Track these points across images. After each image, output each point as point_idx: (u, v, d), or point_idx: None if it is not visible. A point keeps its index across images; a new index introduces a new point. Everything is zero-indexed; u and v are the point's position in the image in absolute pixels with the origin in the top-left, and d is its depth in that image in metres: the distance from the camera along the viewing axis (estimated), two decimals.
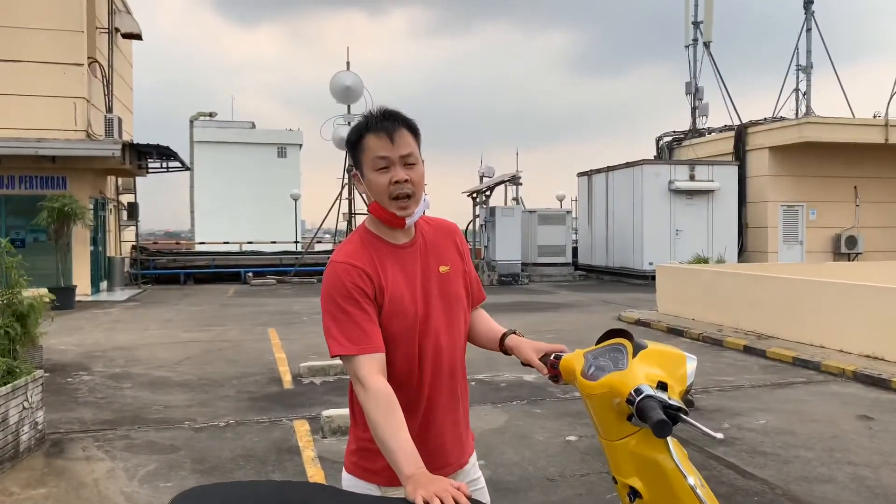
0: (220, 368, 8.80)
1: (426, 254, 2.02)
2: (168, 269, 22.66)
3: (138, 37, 22.46)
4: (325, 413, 6.03)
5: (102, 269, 19.62)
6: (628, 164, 22.61)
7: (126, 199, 22.22)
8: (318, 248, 26.90)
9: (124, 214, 22.03)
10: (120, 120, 18.55)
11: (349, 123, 23.43)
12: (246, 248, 26.87)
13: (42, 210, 15.47)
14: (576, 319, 13.51)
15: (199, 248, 29.25)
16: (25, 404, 5.37)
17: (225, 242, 27.80)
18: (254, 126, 48.14)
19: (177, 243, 34.21)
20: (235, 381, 8.06)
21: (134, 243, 22.83)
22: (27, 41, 17.14)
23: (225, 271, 23.24)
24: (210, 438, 5.87)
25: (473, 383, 7.66)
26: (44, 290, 10.05)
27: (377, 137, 1.87)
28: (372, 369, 1.79)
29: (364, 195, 2.00)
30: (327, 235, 32.83)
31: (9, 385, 5.14)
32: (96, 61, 18.91)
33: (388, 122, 1.89)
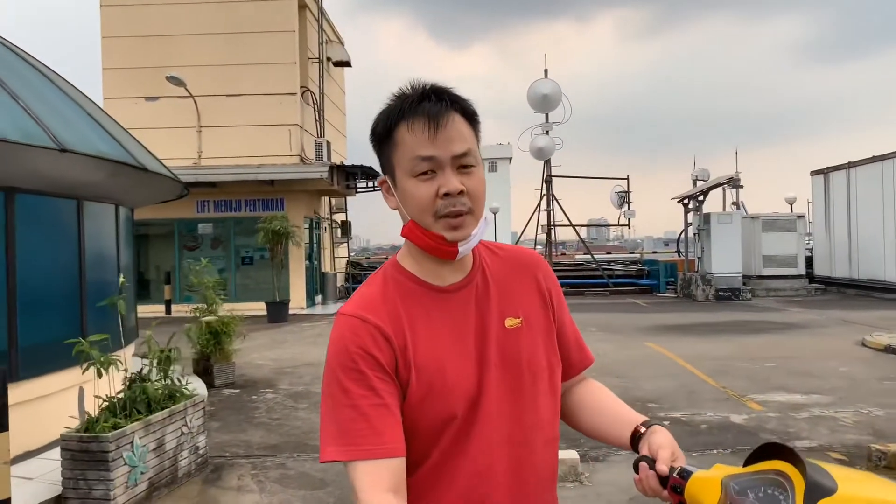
0: None
1: (486, 299, 1.34)
2: None
3: (347, 64, 23.81)
4: None
5: (317, 284, 20.85)
6: (876, 158, 19.31)
7: (339, 217, 23.52)
8: None
9: (338, 232, 23.32)
10: (329, 144, 19.59)
11: (547, 132, 22.76)
12: None
13: (258, 231, 16.69)
14: (807, 344, 11.49)
15: None
16: (184, 429, 5.35)
17: None
18: None
19: None
20: None
21: (348, 259, 24.11)
22: (248, 76, 18.78)
23: None
24: None
25: (667, 423, 6.53)
26: (247, 305, 10.63)
27: (416, 128, 1.22)
28: (377, 484, 1.16)
29: (398, 211, 1.30)
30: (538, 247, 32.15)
31: (166, 410, 5.12)
32: (308, 90, 20.21)
33: (432, 103, 1.23)
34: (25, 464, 5.28)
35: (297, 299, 18.56)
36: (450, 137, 1.22)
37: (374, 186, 21.65)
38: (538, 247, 25.25)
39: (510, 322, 1.34)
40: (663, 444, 1.28)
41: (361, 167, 19.43)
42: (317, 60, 20.95)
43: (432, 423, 1.26)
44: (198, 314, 8.76)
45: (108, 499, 4.54)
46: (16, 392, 5.33)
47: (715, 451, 5.81)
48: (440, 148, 1.21)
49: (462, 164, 1.23)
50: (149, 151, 7.23)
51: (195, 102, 18.78)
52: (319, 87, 20.82)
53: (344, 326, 1.25)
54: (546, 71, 23.46)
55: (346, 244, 24.01)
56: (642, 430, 1.35)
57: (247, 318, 10.09)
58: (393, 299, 1.28)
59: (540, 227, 25.07)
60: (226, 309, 9.06)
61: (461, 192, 1.22)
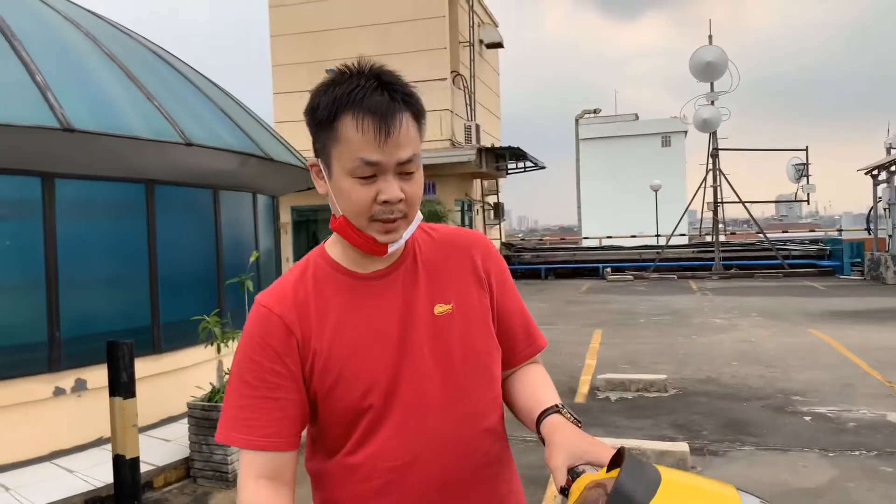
0: None
1: (414, 285, 1.31)
2: (531, 264, 23.48)
3: (500, 45, 23.78)
4: None
5: None
6: None
7: (492, 199, 23.66)
8: (678, 241, 25.04)
9: (490, 214, 23.49)
10: (478, 127, 19.71)
11: (712, 103, 21.32)
12: (605, 242, 26.46)
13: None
14: None
15: (584, 242, 29.75)
16: None
17: (608, 237, 27.73)
18: (637, 118, 47.87)
19: (561, 239, 35.44)
20: None
21: (501, 240, 24.23)
22: (399, 64, 19.07)
23: (584, 266, 23.17)
24: None
25: (808, 418, 5.92)
26: None
27: (365, 127, 1.15)
28: (251, 471, 1.21)
29: (328, 198, 1.27)
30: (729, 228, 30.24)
31: None
32: (459, 74, 20.44)
33: (384, 99, 1.16)
34: (166, 427, 5.89)
35: None
36: (398, 143, 1.16)
37: (524, 168, 21.53)
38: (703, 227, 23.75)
39: (440, 308, 1.30)
40: (575, 451, 1.17)
41: (510, 149, 19.36)
42: (468, 44, 21.11)
43: (343, 412, 1.25)
44: None
45: (226, 463, 4.94)
46: (159, 363, 5.96)
47: (856, 453, 5.17)
48: (387, 154, 1.16)
49: (405, 171, 1.19)
50: (283, 142, 7.69)
51: None
52: (470, 70, 20.98)
53: (252, 314, 1.28)
54: (710, 37, 21.89)
55: (498, 226, 24.10)
56: (545, 410, 1.30)
57: None
58: (306, 287, 1.28)
59: (706, 205, 23.56)
60: None
61: (401, 200, 1.19)
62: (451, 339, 1.29)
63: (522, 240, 31.75)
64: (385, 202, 1.18)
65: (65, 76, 5.15)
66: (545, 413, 1.29)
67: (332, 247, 1.32)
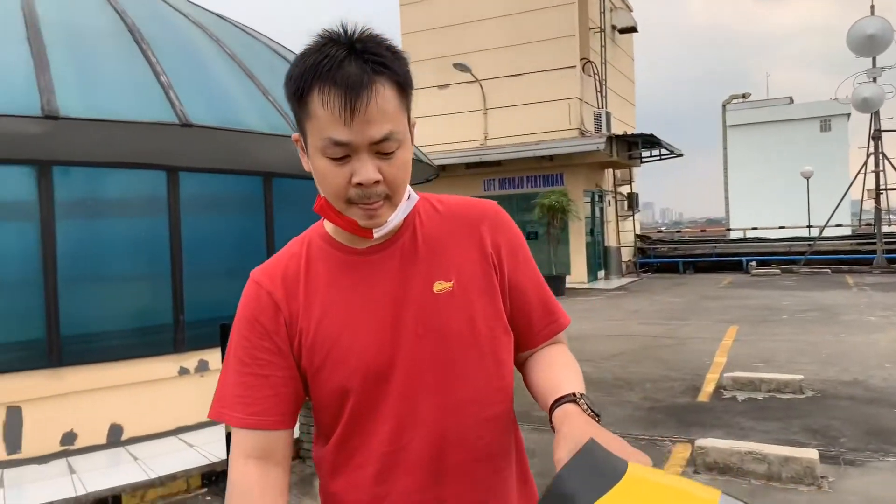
0: (644, 368, 8.07)
1: (412, 262, 1.21)
2: (667, 257, 22.46)
3: (634, 30, 22.91)
4: (701, 442, 4.83)
5: (600, 258, 20.58)
6: None
7: (625, 189, 22.85)
8: (835, 232, 22.89)
9: (624, 205, 22.70)
10: (609, 114, 19.08)
11: (874, 80, 19.36)
12: (750, 234, 24.74)
13: (535, 206, 16.98)
14: None
15: (732, 234, 28.12)
16: None
17: (753, 228, 26.06)
18: (791, 101, 44.54)
19: (702, 231, 33.71)
20: (649, 385, 7.25)
21: (635, 232, 23.36)
22: (529, 55, 19.14)
23: (727, 260, 21.84)
24: None
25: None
26: None
27: (330, 103, 1.03)
28: (241, 450, 1.16)
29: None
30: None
31: None
32: (589, 61, 19.88)
33: (354, 68, 1.03)
34: None
35: (578, 274, 18.55)
36: (368, 120, 1.03)
37: (659, 156, 20.60)
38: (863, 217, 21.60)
39: (439, 286, 1.19)
40: (566, 437, 1.02)
41: (643, 136, 18.56)
42: (599, 30, 20.48)
43: (332, 394, 1.19)
44: None
45: None
46: None
47: None
48: (356, 133, 1.04)
49: (381, 151, 1.07)
50: None
51: (481, 87, 19.73)
52: (601, 56, 20.35)
53: (246, 290, 1.23)
54: (873, 7, 19.82)
55: (632, 217, 23.23)
56: (555, 406, 1.13)
57: None
58: (299, 262, 1.22)
59: (866, 193, 21.46)
60: None
61: (377, 182, 1.08)
62: (451, 319, 1.18)
63: (660, 232, 30.42)
64: (358, 184, 1.07)
65: (187, 75, 5.49)
66: (559, 401, 1.14)
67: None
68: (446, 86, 20.38)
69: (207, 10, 7.21)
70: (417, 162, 7.93)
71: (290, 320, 1.17)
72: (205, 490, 4.75)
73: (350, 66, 1.03)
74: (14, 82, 4.64)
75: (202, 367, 5.63)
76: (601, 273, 20.50)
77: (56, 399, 5.03)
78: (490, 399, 1.22)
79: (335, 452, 1.22)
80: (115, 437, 5.24)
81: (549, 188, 18.42)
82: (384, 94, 1.04)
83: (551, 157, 18.37)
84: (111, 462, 4.93)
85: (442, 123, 19.96)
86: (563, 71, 18.91)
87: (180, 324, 5.63)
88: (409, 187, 1.18)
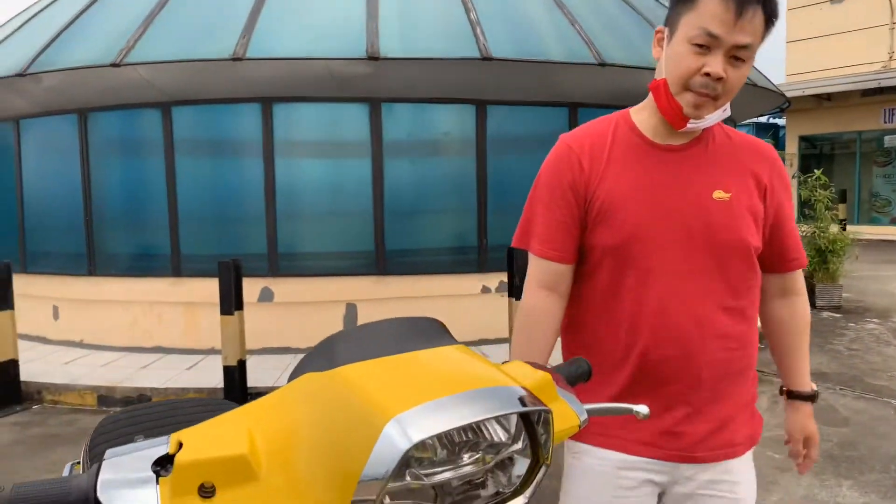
0: None
1: (700, 167, 1.41)
2: None
3: None
4: None
5: None
6: None
7: None
8: None
9: None
10: None
11: None
12: None
13: None
14: None
15: None
16: None
17: None
18: None
19: None
20: None
21: None
22: None
23: None
24: None
25: None
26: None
27: (723, 4, 1.27)
28: (534, 278, 1.47)
29: (658, 63, 1.42)
30: None
31: None
32: None
33: None
34: None
35: None
36: (743, 27, 1.26)
37: None
38: None
39: (718, 194, 1.38)
40: (792, 433, 1.55)
41: None
42: None
43: (602, 253, 1.40)
44: (815, 230, 8.19)
45: None
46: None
47: None
48: (729, 32, 1.26)
49: (737, 56, 1.28)
50: None
51: None
52: None
53: (556, 149, 1.47)
54: None
55: None
56: (794, 390, 1.54)
57: None
58: (604, 138, 1.43)
59: None
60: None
61: (720, 79, 1.29)
62: (722, 223, 1.36)
63: None
64: (706, 74, 1.28)
65: (495, 9, 5.78)
66: (800, 394, 1.54)
67: (638, 112, 1.45)
68: (840, 0, 17.39)
69: None
70: (767, 91, 7.19)
71: (587, 181, 1.40)
72: None
73: None
74: (350, 30, 5.46)
75: (502, 287, 6.06)
76: None
77: (381, 301, 5.96)
78: (738, 292, 1.39)
79: (596, 306, 1.44)
80: None
81: None
82: (759, 16, 1.27)
83: None
84: None
85: (834, 43, 17.20)
86: None
87: (484, 247, 6.11)
88: (728, 104, 1.35)
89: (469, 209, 6.14)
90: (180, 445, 0.75)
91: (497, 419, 0.80)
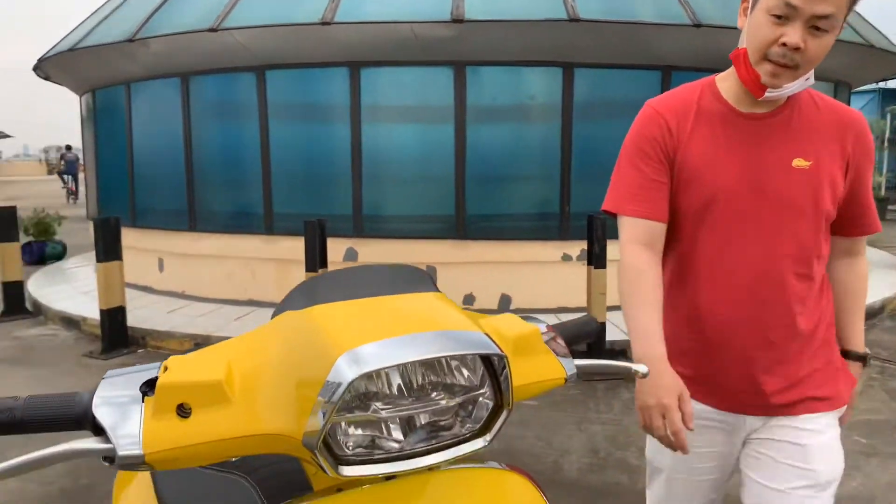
0: None
1: (782, 135, 1.45)
2: None
3: None
4: None
5: None
6: None
7: None
8: None
9: None
10: None
11: None
12: None
13: None
14: None
15: None
16: None
17: None
18: None
19: None
20: None
21: None
22: None
23: None
24: None
25: None
26: None
27: None
28: (632, 237, 1.51)
29: (741, 38, 1.45)
30: None
31: None
32: None
33: None
34: None
35: None
36: None
37: None
38: None
39: (798, 162, 1.42)
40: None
41: None
42: None
43: (685, 211, 1.48)
44: None
45: None
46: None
47: None
48: (807, 2, 1.27)
49: (818, 26, 1.29)
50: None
51: None
52: None
53: (643, 114, 1.54)
54: None
55: None
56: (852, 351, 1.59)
57: None
58: (689, 104, 1.49)
59: None
60: None
61: (798, 49, 1.30)
62: (800, 191, 1.41)
63: None
64: (784, 45, 1.30)
65: None
66: (855, 354, 1.59)
67: (723, 80, 1.49)
68: None
69: None
70: (887, 53, 6.68)
71: (674, 145, 1.47)
72: None
73: None
74: None
75: (582, 256, 5.97)
76: None
77: (461, 266, 6.02)
78: (808, 258, 1.45)
79: (675, 259, 1.53)
80: (505, 306, 6.03)
81: None
82: None
83: None
84: None
85: None
86: None
87: (566, 215, 6.03)
88: (811, 73, 1.38)
89: (552, 175, 6.06)
90: (166, 370, 0.82)
91: (464, 364, 0.83)
